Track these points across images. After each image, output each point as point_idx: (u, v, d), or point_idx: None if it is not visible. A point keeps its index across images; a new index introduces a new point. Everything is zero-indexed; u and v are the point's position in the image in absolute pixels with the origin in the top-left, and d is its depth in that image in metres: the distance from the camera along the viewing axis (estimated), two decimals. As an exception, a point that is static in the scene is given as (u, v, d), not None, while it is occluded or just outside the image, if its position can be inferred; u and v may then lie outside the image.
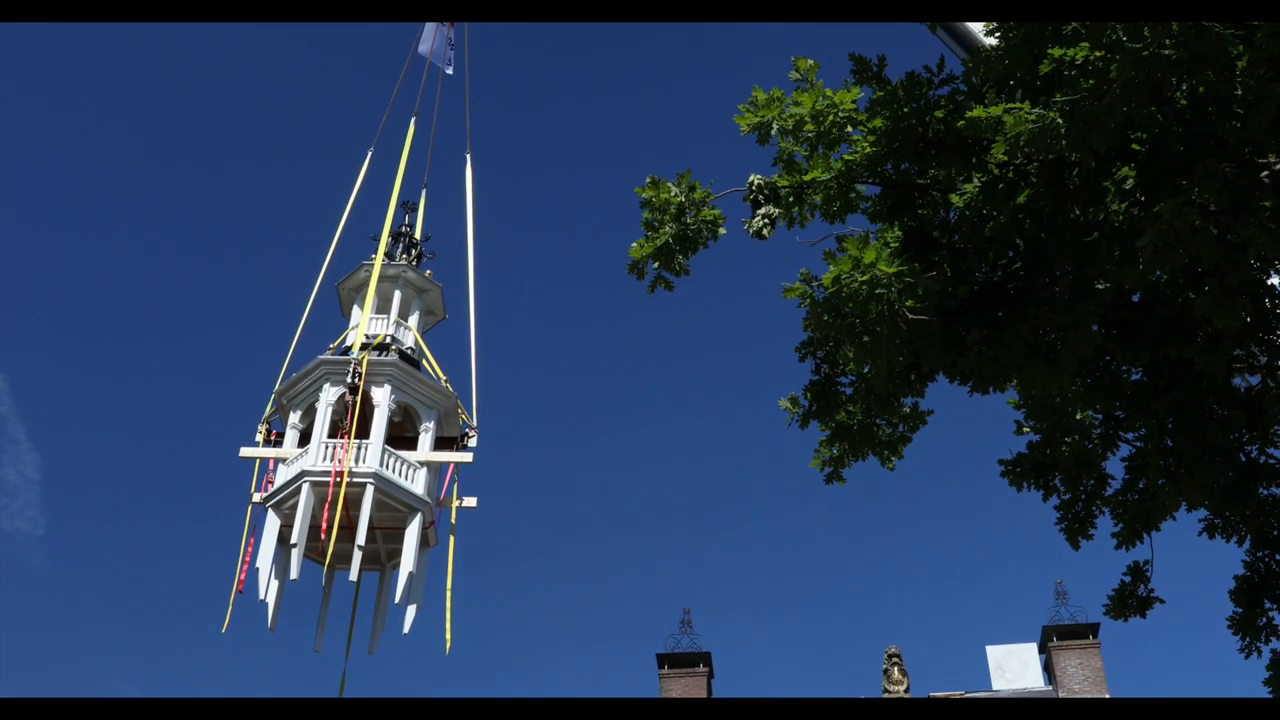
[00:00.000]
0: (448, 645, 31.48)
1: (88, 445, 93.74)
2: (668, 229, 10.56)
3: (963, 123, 9.26)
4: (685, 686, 41.69)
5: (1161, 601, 11.47)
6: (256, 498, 31.95)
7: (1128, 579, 11.54)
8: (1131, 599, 11.49)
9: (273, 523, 31.65)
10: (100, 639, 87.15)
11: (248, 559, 31.11)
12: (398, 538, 32.19)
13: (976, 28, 11.56)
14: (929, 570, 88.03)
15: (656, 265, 10.66)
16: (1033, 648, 42.13)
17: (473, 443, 33.46)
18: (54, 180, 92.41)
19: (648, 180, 10.60)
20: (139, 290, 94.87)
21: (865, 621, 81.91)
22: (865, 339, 10.17)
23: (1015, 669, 41.46)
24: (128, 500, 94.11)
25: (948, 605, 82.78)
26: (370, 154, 37.79)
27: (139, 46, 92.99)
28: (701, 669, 42.30)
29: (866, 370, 11.11)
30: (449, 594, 31.81)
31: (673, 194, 10.59)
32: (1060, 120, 8.81)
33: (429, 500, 32.44)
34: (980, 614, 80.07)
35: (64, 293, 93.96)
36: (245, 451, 32.66)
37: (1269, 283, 10.68)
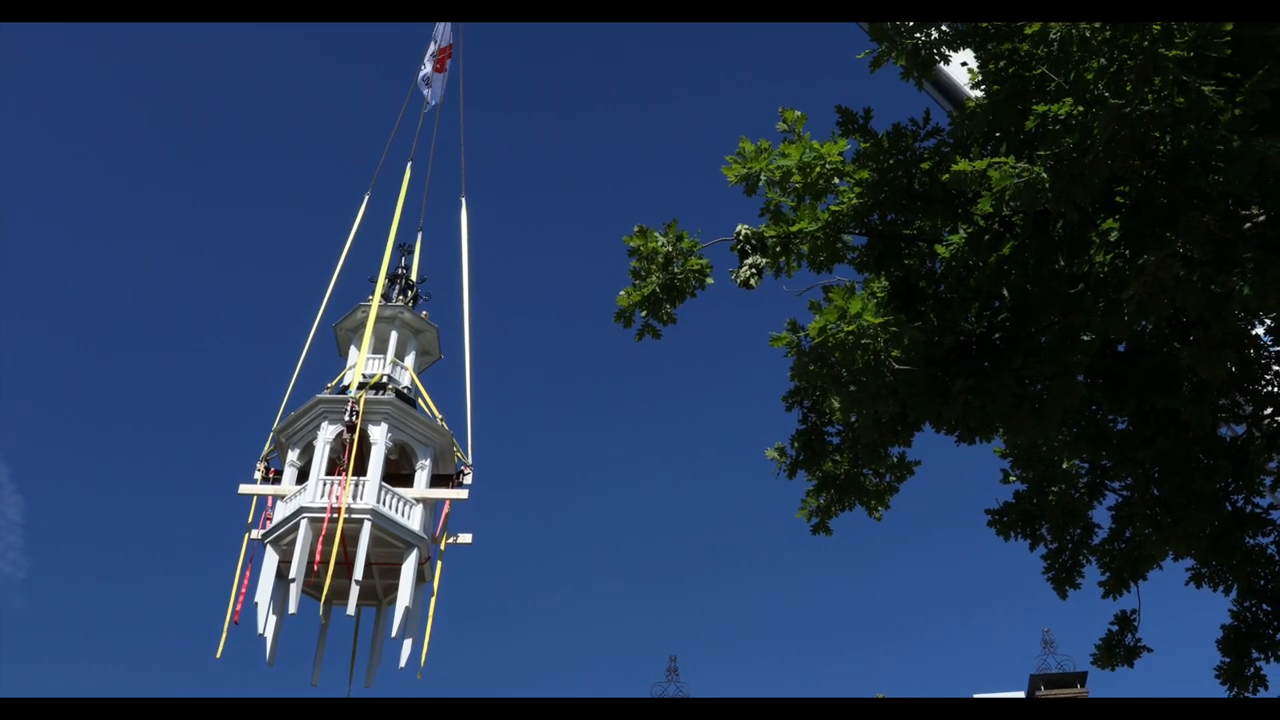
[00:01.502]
0: (421, 667, 31.24)
1: (74, 486, 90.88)
2: (655, 278, 10.33)
3: (947, 176, 9.04)
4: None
5: (1149, 650, 11.21)
6: (255, 534, 31.75)
7: (1115, 628, 11.28)
8: (1119, 648, 11.23)
9: (271, 559, 31.46)
10: (88, 680, 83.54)
11: (244, 590, 30.91)
12: (394, 573, 31.99)
13: (962, 80, 11.37)
14: (916, 618, 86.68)
15: (644, 314, 10.41)
16: (1020, 696, 41.17)
17: (468, 480, 33.28)
18: (48, 218, 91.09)
19: (635, 229, 10.38)
20: (137, 330, 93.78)
21: (852, 669, 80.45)
22: (851, 389, 9.91)
23: (1003, 718, 40.54)
24: (117, 540, 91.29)
25: (935, 653, 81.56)
26: (367, 198, 37.80)
27: (136, 74, 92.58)
28: (688, 716, 41.49)
29: (853, 420, 10.84)
30: (430, 620, 31.55)
31: (660, 243, 10.36)
32: (1045, 175, 8.58)
33: (425, 536, 32.24)
34: (967, 662, 78.80)
35: (53, 333, 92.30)
36: (244, 488, 32.49)
37: (1254, 333, 10.46)
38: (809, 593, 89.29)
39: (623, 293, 10.39)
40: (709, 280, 10.45)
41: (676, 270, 10.37)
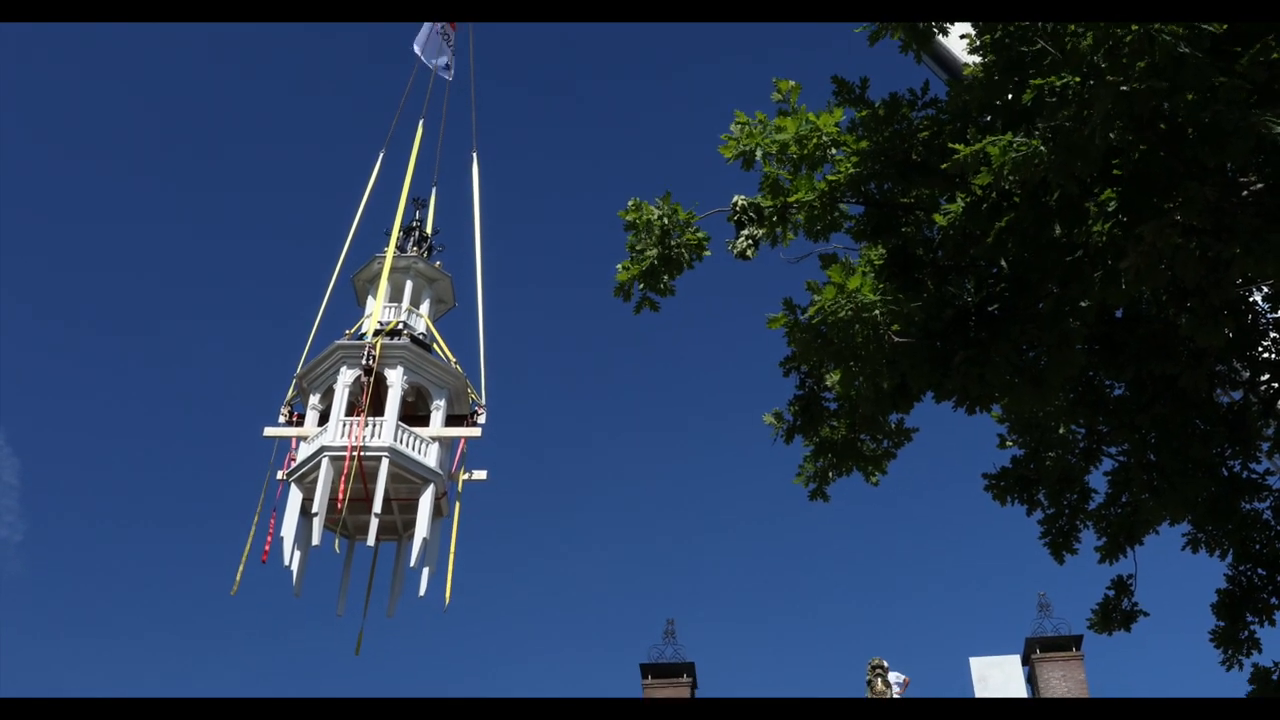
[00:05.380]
0: (446, 601, 30.97)
1: (71, 448, 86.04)
2: (652, 251, 9.65)
3: (948, 166, 8.34)
4: (669, 696, 38.82)
5: (1145, 615, 10.65)
6: (280, 474, 31.50)
7: (1112, 593, 10.75)
8: (1116, 612, 10.69)
9: (295, 496, 31.34)
10: (88, 645, 79.48)
11: (270, 528, 30.62)
12: (412, 508, 31.81)
13: (959, 49, 10.58)
14: (913, 582, 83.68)
15: (642, 287, 9.75)
16: (1016, 659, 39.63)
17: (482, 419, 32.84)
18: (58, 171, 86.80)
19: (630, 203, 9.69)
20: (156, 287, 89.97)
21: (849, 633, 77.44)
22: (851, 364, 9.25)
23: (998, 681, 38.66)
24: (119, 501, 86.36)
25: (931, 616, 79.05)
26: (382, 154, 36.93)
27: (162, 45, 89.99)
28: (685, 679, 40.03)
29: (853, 390, 10.15)
30: (452, 553, 31.37)
31: (655, 216, 9.67)
32: (1044, 148, 7.89)
33: (441, 472, 31.96)
34: (964, 625, 75.84)
35: (62, 296, 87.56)
36: (269, 431, 32.28)
37: (1251, 300, 9.78)
38: (806, 555, 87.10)
39: (620, 267, 9.79)
40: (706, 252, 9.83)
41: (674, 243, 9.72)
